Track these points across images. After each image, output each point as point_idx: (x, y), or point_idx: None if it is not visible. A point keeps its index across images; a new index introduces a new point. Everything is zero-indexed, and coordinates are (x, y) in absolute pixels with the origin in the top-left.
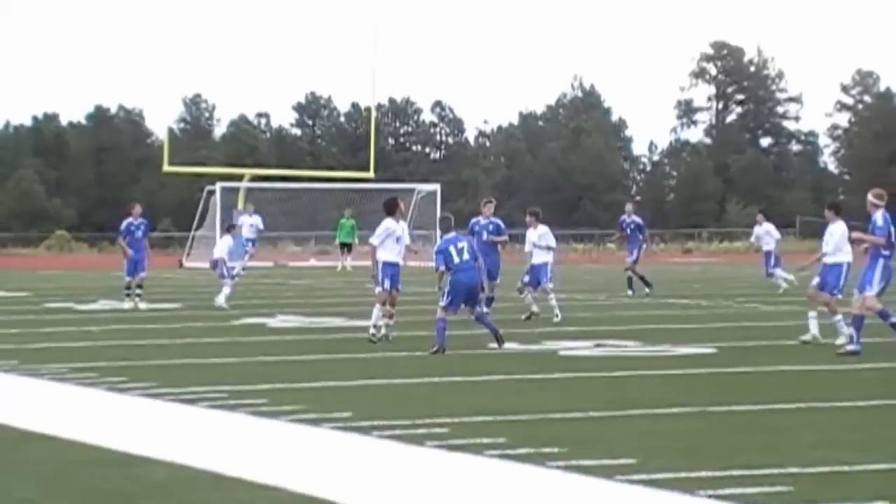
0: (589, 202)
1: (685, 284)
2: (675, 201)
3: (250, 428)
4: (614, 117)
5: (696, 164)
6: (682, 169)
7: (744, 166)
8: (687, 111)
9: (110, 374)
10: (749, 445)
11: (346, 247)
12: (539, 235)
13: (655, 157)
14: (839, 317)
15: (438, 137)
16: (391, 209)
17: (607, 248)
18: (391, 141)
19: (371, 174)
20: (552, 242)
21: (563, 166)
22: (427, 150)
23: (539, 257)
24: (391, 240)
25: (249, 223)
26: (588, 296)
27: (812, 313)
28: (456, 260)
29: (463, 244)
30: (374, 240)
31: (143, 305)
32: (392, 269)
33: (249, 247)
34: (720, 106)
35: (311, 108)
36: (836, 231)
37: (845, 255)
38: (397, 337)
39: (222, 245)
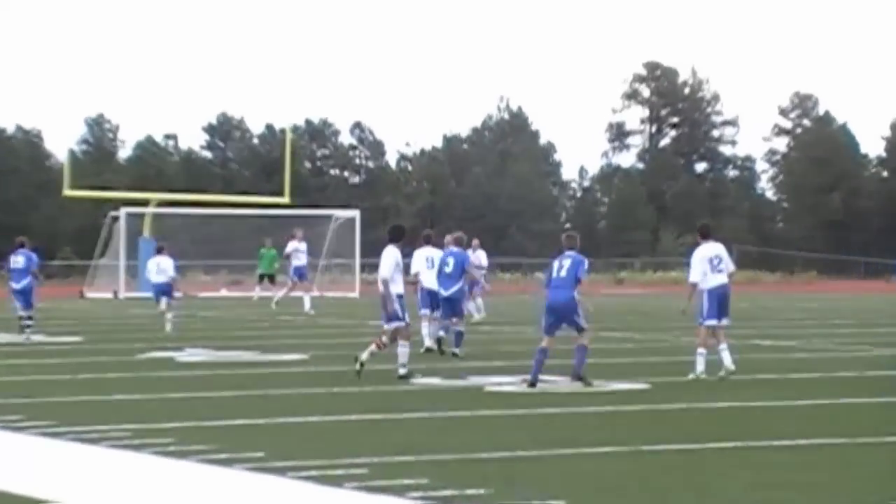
0: (517, 230)
1: (617, 317)
2: (606, 229)
3: (157, 469)
4: (543, 140)
5: (628, 191)
6: (614, 195)
7: (678, 192)
8: (619, 134)
9: (6, 411)
10: (683, 486)
11: (269, 278)
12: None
13: (586, 183)
14: (722, 345)
15: (358, 161)
16: (398, 236)
17: (535, 277)
18: (308, 164)
19: (286, 199)
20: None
21: (490, 192)
22: (346, 174)
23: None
24: (398, 271)
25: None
26: (516, 328)
27: (722, 345)
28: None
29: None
30: (385, 272)
31: (34, 338)
32: (402, 300)
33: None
34: (653, 129)
35: (223, 130)
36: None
37: (707, 281)
38: (315, 372)
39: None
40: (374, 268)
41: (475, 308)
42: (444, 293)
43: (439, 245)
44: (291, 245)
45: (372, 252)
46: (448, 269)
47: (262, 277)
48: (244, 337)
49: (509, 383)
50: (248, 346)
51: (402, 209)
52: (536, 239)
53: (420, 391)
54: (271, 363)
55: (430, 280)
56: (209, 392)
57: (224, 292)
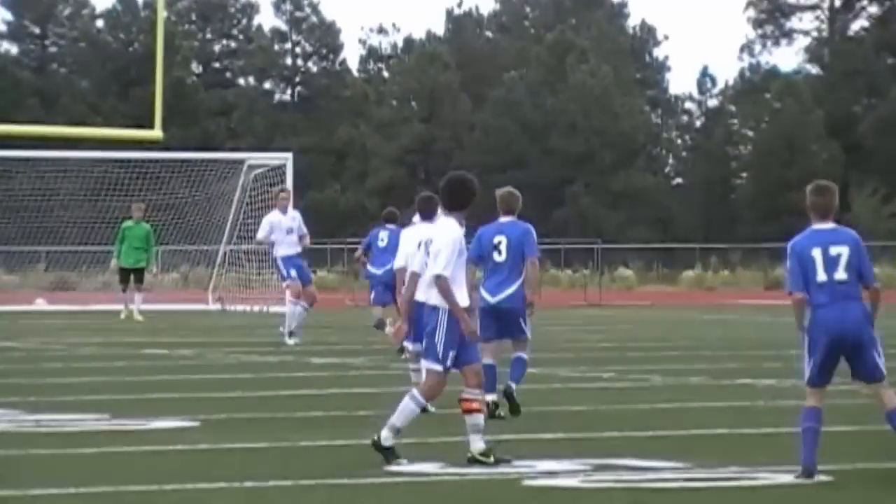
0: (584, 189)
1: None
2: (751, 188)
3: None
4: (632, 21)
5: (791, 116)
6: (766, 125)
7: (883, 119)
8: (772, 13)
9: None
10: None
11: (135, 274)
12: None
13: (713, 102)
14: None
15: (289, 61)
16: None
17: (620, 276)
18: (197, 68)
19: (157, 133)
20: None
21: (533, 119)
22: (267, 84)
23: None
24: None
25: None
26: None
27: None
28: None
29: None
30: (445, 269)
31: None
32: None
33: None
34: (838, 2)
35: (37, 1)
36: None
37: None
38: (212, 452)
39: None
40: (317, 257)
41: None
42: (492, 300)
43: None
44: (270, 223)
45: (322, 229)
46: (500, 257)
47: (126, 276)
48: (83, 387)
49: None
50: (91, 404)
51: (374, 149)
52: (621, 205)
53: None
54: (133, 436)
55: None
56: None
57: (41, 304)
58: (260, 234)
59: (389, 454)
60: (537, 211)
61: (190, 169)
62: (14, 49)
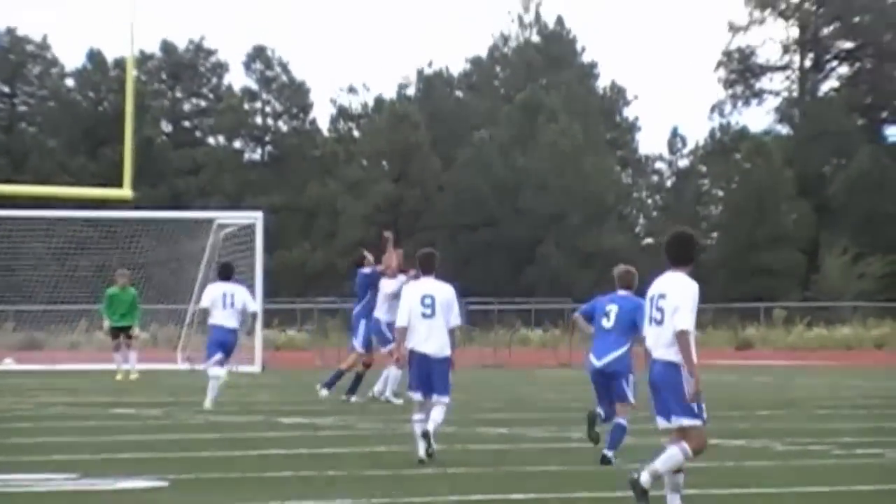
0: (554, 248)
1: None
2: (723, 247)
3: None
4: (602, 80)
5: (761, 176)
6: (736, 185)
7: (853, 178)
8: (743, 72)
9: None
10: None
11: (124, 332)
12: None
13: (683, 162)
14: None
15: (259, 119)
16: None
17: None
18: (167, 128)
19: (126, 192)
20: None
21: (504, 177)
22: (237, 143)
23: None
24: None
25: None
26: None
27: None
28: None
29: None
30: (689, 325)
31: None
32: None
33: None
34: (808, 62)
35: (6, 59)
36: None
37: None
38: None
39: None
40: (286, 317)
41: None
42: (598, 363)
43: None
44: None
45: (292, 288)
46: (608, 324)
47: (116, 334)
48: (51, 447)
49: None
50: (59, 464)
51: (344, 208)
52: (592, 265)
53: None
54: (102, 496)
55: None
56: None
57: (9, 363)
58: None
59: (643, 497)
60: (508, 270)
61: (159, 228)
62: None
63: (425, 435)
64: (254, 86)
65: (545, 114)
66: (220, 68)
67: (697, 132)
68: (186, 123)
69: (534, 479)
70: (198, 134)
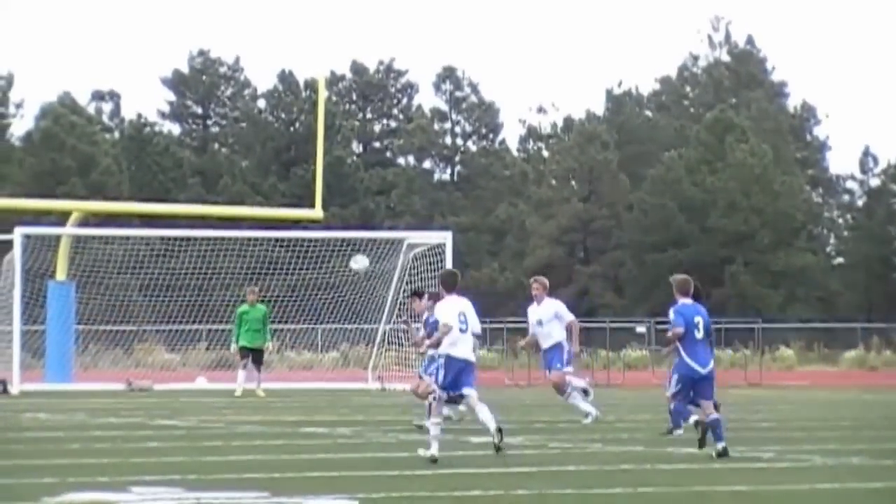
0: (744, 268)
1: None
2: None
3: None
4: (793, 100)
5: None
6: None
7: None
8: None
9: None
10: None
11: (254, 354)
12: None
13: (874, 181)
14: None
15: (448, 140)
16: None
17: (781, 356)
18: (358, 148)
19: (317, 213)
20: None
21: (691, 197)
22: (427, 164)
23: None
24: None
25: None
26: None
27: None
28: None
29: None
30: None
31: None
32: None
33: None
34: None
35: (199, 81)
36: None
37: None
38: None
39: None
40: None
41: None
42: (703, 371)
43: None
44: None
45: (480, 308)
46: (699, 334)
47: (246, 354)
48: (236, 466)
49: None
50: (250, 482)
51: (533, 228)
52: (781, 284)
53: None
54: None
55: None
56: None
57: (202, 382)
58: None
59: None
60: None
61: (349, 248)
62: (176, 129)
63: (500, 430)
64: (443, 106)
65: (734, 133)
66: (410, 89)
67: (890, 151)
68: (376, 144)
69: (722, 500)
70: (388, 154)
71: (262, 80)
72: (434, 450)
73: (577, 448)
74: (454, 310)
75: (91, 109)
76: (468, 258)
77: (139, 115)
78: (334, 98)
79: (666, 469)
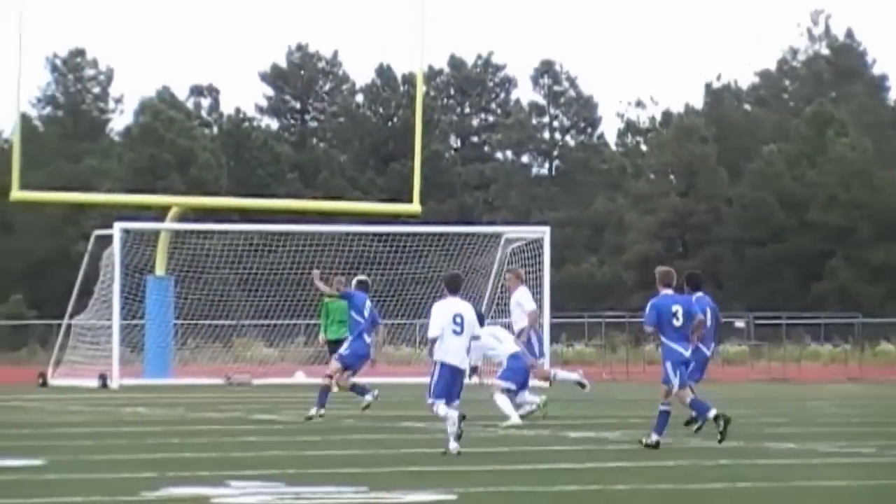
0: (843, 261)
1: None
2: None
3: None
4: (894, 94)
5: None
6: None
7: None
8: None
9: None
10: None
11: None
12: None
13: None
14: None
15: (546, 135)
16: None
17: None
18: (455, 143)
19: (415, 207)
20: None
21: (792, 190)
22: (524, 158)
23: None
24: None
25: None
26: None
27: None
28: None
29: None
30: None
31: None
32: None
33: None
34: None
35: (297, 76)
36: None
37: None
38: None
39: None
40: (573, 331)
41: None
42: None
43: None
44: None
45: (579, 302)
46: (677, 322)
47: (334, 349)
48: (332, 460)
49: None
50: (348, 477)
51: (631, 222)
52: (882, 279)
53: (164, 501)
54: None
55: None
56: None
57: (300, 376)
58: None
59: None
60: (796, 284)
61: (447, 242)
62: (274, 124)
63: (463, 417)
64: (541, 100)
65: (834, 127)
66: (509, 83)
67: None
68: (474, 138)
69: (820, 495)
70: (486, 149)
71: (361, 74)
72: (452, 445)
73: (674, 443)
74: (448, 312)
75: (190, 104)
76: (566, 253)
77: (237, 110)
78: (432, 93)
79: (764, 464)
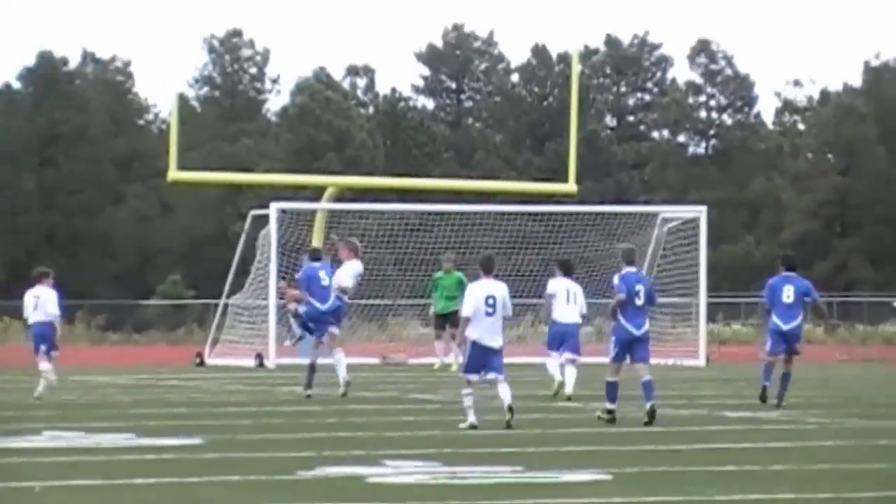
0: None
1: None
2: None
3: None
4: None
5: None
6: None
7: None
8: None
9: None
10: None
11: (451, 319)
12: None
13: None
14: None
15: (703, 114)
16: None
17: None
18: (611, 122)
19: (571, 187)
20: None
21: None
22: (681, 137)
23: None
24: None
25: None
26: None
27: None
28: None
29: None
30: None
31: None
32: None
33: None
34: None
35: (453, 55)
36: None
37: None
38: None
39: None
40: (730, 311)
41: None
42: (637, 333)
43: None
44: None
45: (735, 282)
46: (639, 301)
47: (442, 324)
48: (497, 440)
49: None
50: (504, 457)
51: (789, 202)
52: None
53: (320, 480)
54: (546, 489)
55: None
56: None
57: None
58: None
59: None
60: None
61: (603, 222)
62: (430, 103)
63: (510, 409)
64: (698, 79)
65: None
66: (665, 62)
67: None
68: (630, 118)
69: None
70: (642, 128)
71: (516, 54)
72: (470, 417)
73: (834, 423)
74: (481, 293)
75: (346, 85)
76: (723, 232)
77: (393, 91)
78: (588, 72)
79: None
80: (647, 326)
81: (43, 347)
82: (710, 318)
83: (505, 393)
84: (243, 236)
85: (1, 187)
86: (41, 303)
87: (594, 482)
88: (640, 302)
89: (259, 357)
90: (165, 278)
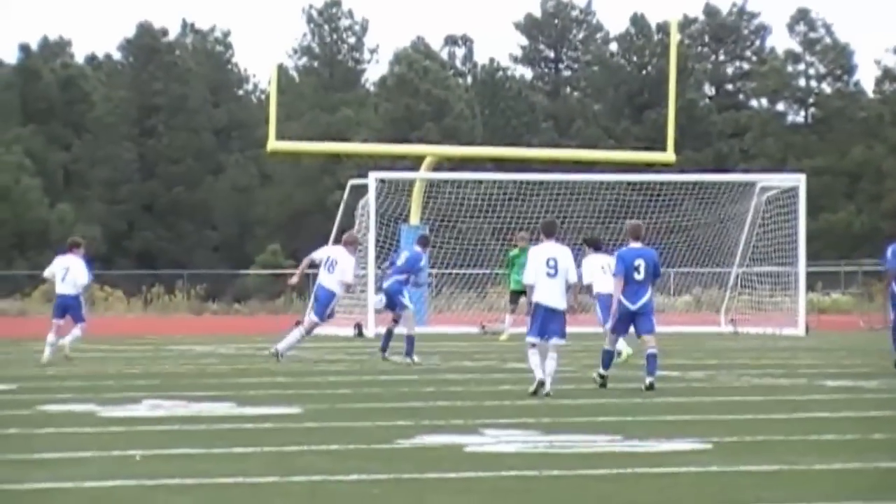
0: None
1: None
2: None
3: None
4: None
5: None
6: None
7: None
8: None
9: None
10: None
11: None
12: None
13: None
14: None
15: (802, 82)
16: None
17: None
18: (710, 91)
19: (670, 156)
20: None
21: None
22: (780, 106)
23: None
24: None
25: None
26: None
27: None
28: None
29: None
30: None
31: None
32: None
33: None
34: None
35: (551, 25)
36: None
37: None
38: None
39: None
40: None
41: None
42: (632, 307)
43: None
44: None
45: (835, 251)
46: (638, 276)
47: (516, 299)
48: (595, 408)
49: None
50: (603, 426)
51: (889, 171)
52: None
53: (418, 449)
54: (645, 458)
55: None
56: None
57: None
58: None
59: None
60: None
61: (702, 191)
62: (528, 73)
63: (542, 384)
64: (797, 48)
65: None
66: (764, 31)
67: None
68: (729, 87)
69: None
70: (740, 97)
71: (614, 23)
72: (538, 374)
73: None
74: (542, 256)
75: (444, 54)
76: (822, 201)
77: (492, 60)
78: (687, 41)
79: None
80: (645, 299)
81: (57, 321)
82: (810, 287)
83: (550, 366)
84: (342, 206)
85: (101, 158)
86: (70, 275)
87: (693, 451)
88: (639, 276)
89: (358, 326)
90: (265, 248)
